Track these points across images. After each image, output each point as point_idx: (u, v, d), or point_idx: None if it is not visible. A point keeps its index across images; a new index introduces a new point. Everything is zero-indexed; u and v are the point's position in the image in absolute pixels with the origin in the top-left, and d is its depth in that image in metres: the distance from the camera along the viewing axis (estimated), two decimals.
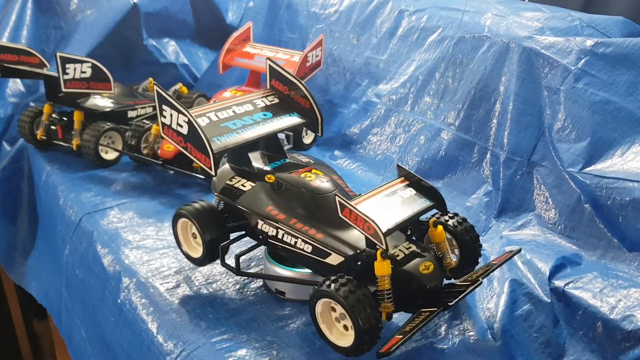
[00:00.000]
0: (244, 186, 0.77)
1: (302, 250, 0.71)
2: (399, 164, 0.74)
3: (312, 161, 0.84)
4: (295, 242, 0.71)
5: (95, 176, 1.14)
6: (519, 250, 0.77)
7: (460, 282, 0.70)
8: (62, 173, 1.15)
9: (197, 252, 0.79)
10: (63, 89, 1.09)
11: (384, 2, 1.30)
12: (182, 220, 0.79)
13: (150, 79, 1.35)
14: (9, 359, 1.87)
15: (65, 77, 1.08)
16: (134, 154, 1.12)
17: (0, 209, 1.32)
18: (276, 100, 0.85)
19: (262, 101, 0.84)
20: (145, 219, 0.99)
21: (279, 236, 0.73)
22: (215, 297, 0.79)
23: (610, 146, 0.90)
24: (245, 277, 0.82)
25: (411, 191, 0.70)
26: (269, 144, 0.83)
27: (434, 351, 0.70)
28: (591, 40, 0.95)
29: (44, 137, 1.19)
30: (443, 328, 0.73)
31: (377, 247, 0.63)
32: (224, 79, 1.43)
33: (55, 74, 1.09)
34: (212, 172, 0.72)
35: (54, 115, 1.20)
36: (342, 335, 0.65)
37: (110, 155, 1.17)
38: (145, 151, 1.11)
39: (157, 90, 0.74)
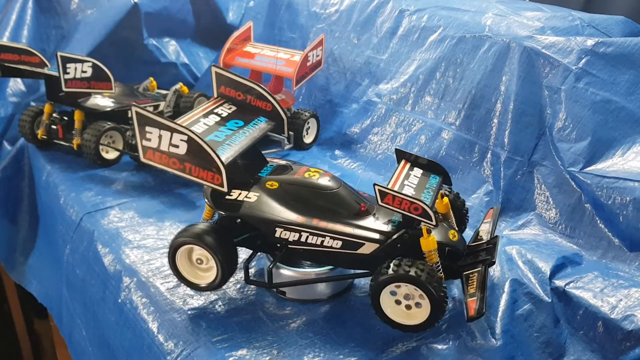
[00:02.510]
0: (249, 197, 0.74)
1: (331, 247, 0.71)
2: (397, 148, 0.78)
3: (290, 163, 0.83)
4: (322, 241, 0.71)
5: (95, 176, 1.14)
6: (500, 208, 0.84)
7: (474, 243, 0.76)
8: (62, 172, 1.15)
9: (207, 278, 0.74)
10: (64, 89, 1.09)
11: (384, 1, 1.30)
12: (183, 249, 0.73)
13: (151, 78, 1.35)
14: (10, 358, 1.88)
15: (66, 76, 1.08)
16: (135, 153, 1.12)
17: (0, 209, 1.32)
18: (234, 108, 0.81)
19: (222, 110, 0.80)
20: (146, 218, 0.99)
21: (302, 239, 0.72)
22: (215, 296, 0.79)
23: (611, 146, 0.90)
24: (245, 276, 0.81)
25: (418, 170, 0.76)
26: (249, 152, 0.80)
27: (434, 350, 0.70)
28: (592, 39, 0.95)
29: (44, 137, 1.19)
30: (444, 327, 0.73)
31: (424, 224, 0.68)
32: None
33: (55, 73, 1.09)
34: (224, 189, 0.69)
35: (54, 114, 1.20)
36: (407, 314, 0.69)
37: (111, 154, 1.17)
38: None
39: (136, 112, 0.67)
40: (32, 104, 1.34)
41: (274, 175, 0.78)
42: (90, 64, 1.11)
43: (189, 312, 0.76)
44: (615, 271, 0.79)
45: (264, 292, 0.80)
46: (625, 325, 0.69)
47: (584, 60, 0.94)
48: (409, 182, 0.73)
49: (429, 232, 0.69)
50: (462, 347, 0.71)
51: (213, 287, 0.74)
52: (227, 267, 0.73)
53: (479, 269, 0.71)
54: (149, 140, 0.69)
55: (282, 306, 0.77)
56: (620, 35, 1.01)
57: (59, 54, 1.06)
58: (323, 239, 0.71)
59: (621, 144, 0.89)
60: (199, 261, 0.74)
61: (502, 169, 0.99)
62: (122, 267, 0.86)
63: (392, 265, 0.66)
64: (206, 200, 0.75)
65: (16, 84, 1.38)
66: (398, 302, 0.69)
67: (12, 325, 1.80)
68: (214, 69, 0.80)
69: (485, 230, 0.79)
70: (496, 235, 0.75)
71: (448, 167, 1.06)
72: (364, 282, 0.82)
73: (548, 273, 0.77)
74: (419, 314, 0.68)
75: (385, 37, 1.27)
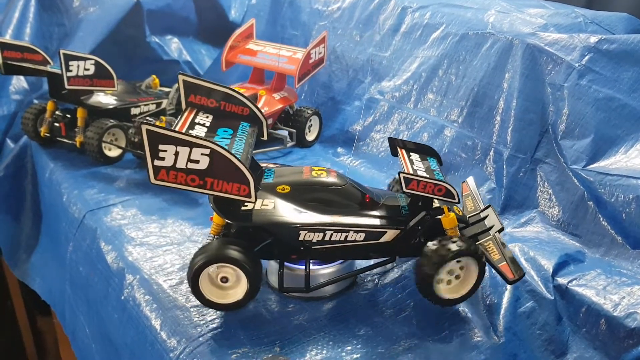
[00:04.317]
0: (265, 205, 0.72)
1: (354, 241, 0.72)
2: (390, 137, 0.80)
3: (277, 165, 0.83)
4: (346, 237, 0.72)
5: (98, 173, 1.14)
6: (473, 180, 0.87)
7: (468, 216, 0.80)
8: (65, 170, 1.15)
9: (236, 294, 0.71)
10: (66, 86, 1.09)
11: None
12: (206, 270, 0.69)
13: (153, 76, 1.35)
14: (13, 356, 1.88)
15: (69, 74, 1.08)
16: (137, 151, 1.13)
17: (4, 206, 1.32)
18: (210, 116, 0.77)
19: (201, 120, 0.75)
20: (149, 215, 0.99)
21: (327, 238, 0.72)
22: None
23: (614, 143, 0.89)
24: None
25: (415, 155, 0.79)
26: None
27: (437, 348, 0.70)
28: (595, 37, 0.95)
29: (47, 134, 1.20)
30: (446, 325, 0.74)
31: (448, 203, 0.72)
32: (226, 76, 1.43)
33: (58, 71, 1.09)
34: (252, 199, 0.66)
35: (57, 112, 1.20)
36: (447, 289, 0.73)
37: (114, 152, 1.17)
38: None
39: (148, 130, 0.60)
40: (35, 101, 1.34)
41: (280, 179, 0.77)
42: (92, 61, 1.11)
43: (192, 309, 0.76)
44: (618, 269, 0.79)
45: (266, 289, 0.80)
46: (627, 323, 0.69)
47: (587, 58, 0.94)
48: (417, 167, 0.75)
49: (449, 210, 0.72)
50: (464, 345, 0.71)
51: (243, 303, 0.71)
52: (256, 276, 0.70)
53: (490, 237, 0.74)
54: (163, 159, 0.63)
55: (285, 304, 0.77)
56: (623, 33, 1.01)
57: (61, 51, 1.06)
58: (347, 234, 0.72)
59: (624, 141, 0.89)
60: (223, 279, 0.71)
61: (504, 167, 0.99)
62: (125, 264, 0.87)
63: (439, 243, 0.70)
64: (217, 213, 0.70)
65: (19, 82, 1.38)
66: (449, 282, 0.73)
67: (15, 322, 1.80)
68: (180, 78, 0.75)
69: (470, 203, 0.82)
70: (488, 205, 0.78)
71: (451, 164, 1.07)
72: (368, 280, 0.82)
73: (551, 270, 0.77)
74: (467, 284, 0.73)
75: (387, 35, 1.27)
